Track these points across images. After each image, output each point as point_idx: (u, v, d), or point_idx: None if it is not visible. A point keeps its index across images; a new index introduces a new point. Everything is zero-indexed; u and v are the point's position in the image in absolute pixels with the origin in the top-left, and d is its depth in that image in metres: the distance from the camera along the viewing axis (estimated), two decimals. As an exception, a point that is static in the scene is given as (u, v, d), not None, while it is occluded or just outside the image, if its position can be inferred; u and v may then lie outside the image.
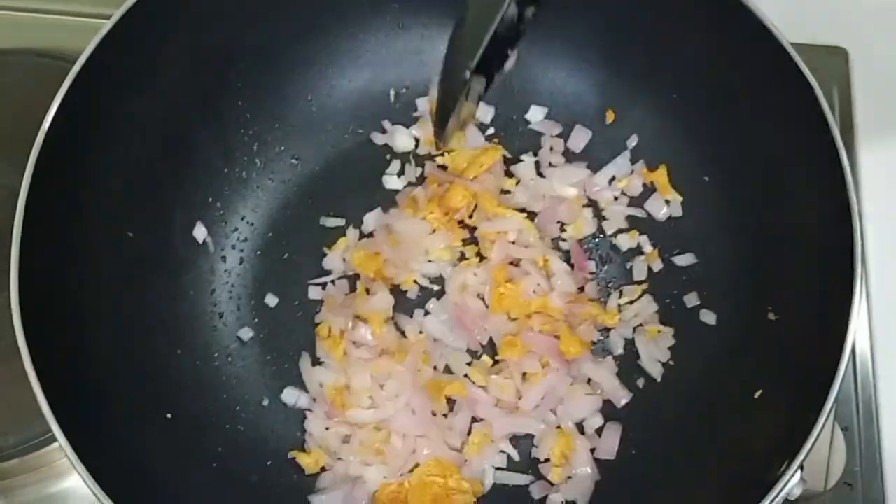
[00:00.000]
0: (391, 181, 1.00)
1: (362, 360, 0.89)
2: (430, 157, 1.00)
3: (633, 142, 0.97)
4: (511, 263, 0.93)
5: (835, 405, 0.69)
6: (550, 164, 0.99)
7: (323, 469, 0.87)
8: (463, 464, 0.86)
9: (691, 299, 0.91)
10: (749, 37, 0.80)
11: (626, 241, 0.95)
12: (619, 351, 0.91)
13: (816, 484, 0.83)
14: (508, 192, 0.98)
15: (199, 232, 0.94)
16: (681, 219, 0.95)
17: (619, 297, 0.93)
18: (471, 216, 0.96)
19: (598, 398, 0.88)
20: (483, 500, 0.86)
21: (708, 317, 0.90)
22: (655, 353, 0.89)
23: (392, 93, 1.02)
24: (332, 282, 0.95)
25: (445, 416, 0.88)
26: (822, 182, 0.77)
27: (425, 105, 1.01)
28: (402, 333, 0.92)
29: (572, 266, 0.94)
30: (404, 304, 0.94)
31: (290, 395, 0.91)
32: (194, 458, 0.84)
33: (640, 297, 0.93)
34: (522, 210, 0.96)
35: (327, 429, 0.88)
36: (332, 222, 0.98)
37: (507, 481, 0.87)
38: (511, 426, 0.87)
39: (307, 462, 0.87)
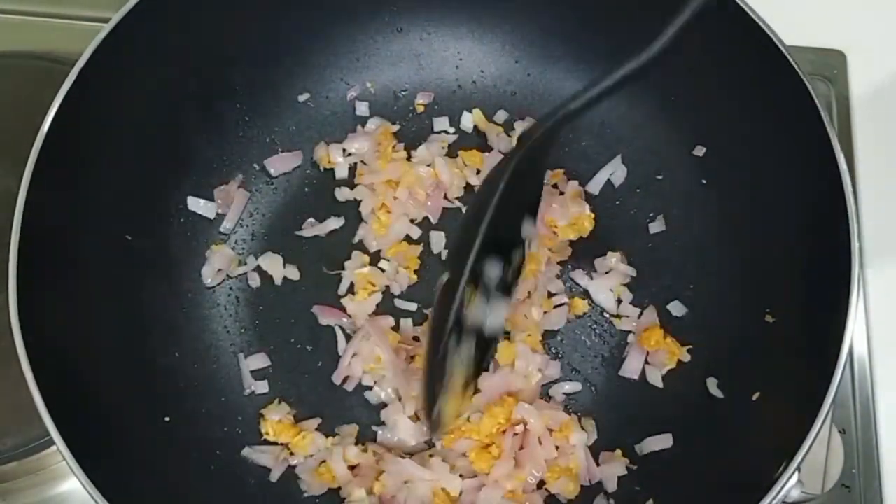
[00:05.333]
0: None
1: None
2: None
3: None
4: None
5: (832, 408, 0.69)
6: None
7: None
8: None
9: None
10: (746, 39, 0.80)
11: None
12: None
13: (814, 486, 0.83)
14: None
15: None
16: (678, 222, 0.95)
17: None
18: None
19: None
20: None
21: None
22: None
23: (391, 95, 1.02)
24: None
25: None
26: (820, 184, 0.77)
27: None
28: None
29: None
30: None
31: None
32: (192, 461, 0.84)
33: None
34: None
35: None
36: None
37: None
38: None
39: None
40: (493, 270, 0.69)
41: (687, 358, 0.89)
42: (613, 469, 0.85)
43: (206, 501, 0.83)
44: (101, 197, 0.84)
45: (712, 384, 0.86)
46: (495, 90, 1.02)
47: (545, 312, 0.92)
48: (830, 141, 0.75)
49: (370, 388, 0.91)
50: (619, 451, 0.86)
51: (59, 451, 0.69)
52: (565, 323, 0.93)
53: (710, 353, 0.89)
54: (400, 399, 0.89)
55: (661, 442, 0.86)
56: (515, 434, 0.85)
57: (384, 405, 0.90)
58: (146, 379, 0.85)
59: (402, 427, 0.88)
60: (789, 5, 0.90)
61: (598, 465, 0.86)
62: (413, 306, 0.94)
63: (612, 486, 0.85)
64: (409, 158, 0.99)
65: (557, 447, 0.86)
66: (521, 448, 0.85)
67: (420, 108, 1.02)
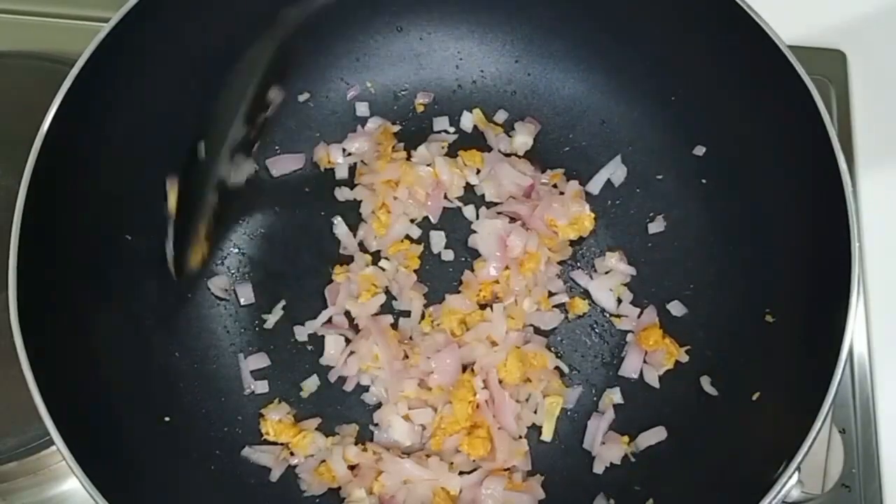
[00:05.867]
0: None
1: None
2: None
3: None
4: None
5: (832, 408, 0.69)
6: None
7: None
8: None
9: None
10: (747, 40, 0.81)
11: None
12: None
13: (814, 486, 0.83)
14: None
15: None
16: (678, 222, 0.95)
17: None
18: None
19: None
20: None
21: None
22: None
23: (391, 95, 1.02)
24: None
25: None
26: (820, 185, 0.77)
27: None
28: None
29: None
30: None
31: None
32: (192, 461, 0.84)
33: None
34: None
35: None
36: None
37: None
38: None
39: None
40: (238, 132, 0.82)
41: (685, 359, 0.89)
42: (611, 452, 0.86)
43: (206, 501, 0.83)
44: (101, 197, 0.84)
45: (706, 382, 0.86)
46: (495, 90, 1.02)
47: (538, 310, 0.92)
48: (830, 141, 0.75)
49: (368, 389, 0.91)
50: (626, 437, 0.87)
51: (59, 451, 0.69)
52: (566, 323, 0.93)
53: (710, 353, 0.89)
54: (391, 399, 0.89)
55: (655, 435, 0.86)
56: (486, 401, 0.86)
57: (381, 405, 0.90)
58: (145, 379, 0.85)
59: (396, 427, 0.88)
60: (789, 5, 0.90)
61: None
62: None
63: (599, 467, 0.85)
64: (409, 158, 0.99)
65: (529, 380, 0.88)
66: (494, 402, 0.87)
67: (420, 108, 1.02)
